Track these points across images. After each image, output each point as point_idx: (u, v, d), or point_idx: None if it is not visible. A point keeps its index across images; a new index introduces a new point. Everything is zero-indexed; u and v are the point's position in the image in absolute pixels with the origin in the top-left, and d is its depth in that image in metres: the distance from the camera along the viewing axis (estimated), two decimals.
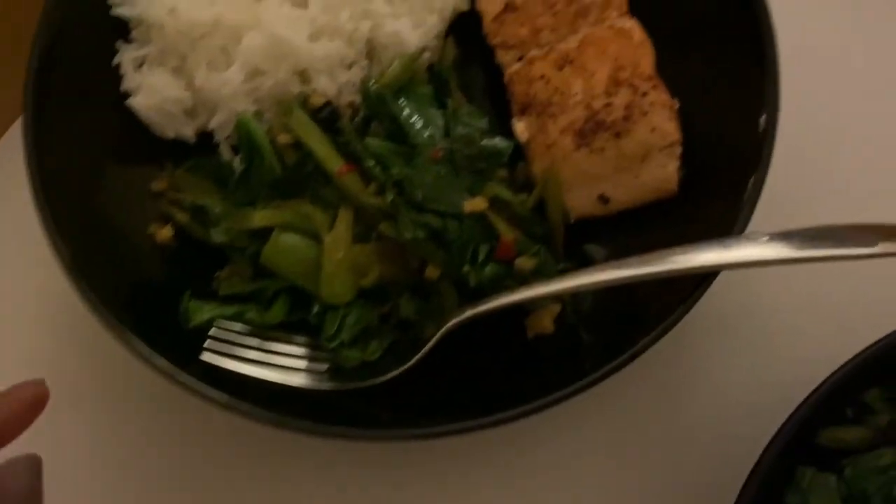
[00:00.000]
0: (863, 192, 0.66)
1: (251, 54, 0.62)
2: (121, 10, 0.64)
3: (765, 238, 0.53)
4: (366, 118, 0.63)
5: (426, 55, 0.66)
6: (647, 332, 0.55)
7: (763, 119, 0.56)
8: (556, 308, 0.60)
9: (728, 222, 0.56)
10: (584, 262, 0.62)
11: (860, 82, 0.70)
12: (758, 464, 0.50)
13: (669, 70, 0.61)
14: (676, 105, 0.59)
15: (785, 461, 0.50)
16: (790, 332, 0.63)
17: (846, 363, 0.50)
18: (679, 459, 0.62)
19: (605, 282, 0.54)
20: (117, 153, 0.66)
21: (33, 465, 0.42)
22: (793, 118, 0.58)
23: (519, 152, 0.63)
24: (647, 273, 0.53)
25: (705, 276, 0.55)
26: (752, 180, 0.56)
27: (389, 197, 0.57)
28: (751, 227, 0.56)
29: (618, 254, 0.61)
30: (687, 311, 0.55)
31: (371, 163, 0.59)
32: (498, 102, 0.66)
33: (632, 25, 0.61)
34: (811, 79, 0.67)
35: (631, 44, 0.60)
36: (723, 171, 0.59)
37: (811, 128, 0.67)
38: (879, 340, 0.50)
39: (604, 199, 0.61)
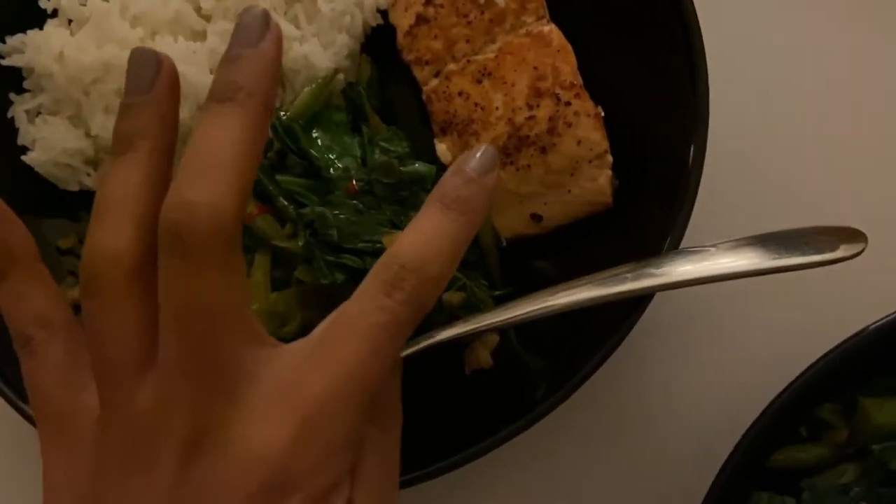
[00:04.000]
0: (798, 194, 0.62)
1: None
2: (10, 60, 0.60)
3: (712, 249, 0.48)
4: (280, 151, 0.59)
5: (340, 77, 0.62)
6: (594, 351, 0.53)
7: (692, 121, 0.53)
8: (494, 339, 0.57)
9: (664, 234, 0.53)
10: (531, 280, 0.60)
11: (792, 81, 0.65)
12: (708, 494, 0.47)
13: (596, 74, 0.57)
14: (602, 113, 0.56)
15: (738, 487, 0.48)
16: (736, 345, 0.60)
17: (794, 380, 0.47)
18: (624, 493, 0.59)
19: (545, 310, 0.49)
20: (27, 211, 0.62)
21: None
22: (723, 120, 0.55)
23: None
24: (588, 298, 0.48)
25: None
26: (687, 187, 0.52)
27: (301, 240, 0.53)
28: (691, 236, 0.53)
29: (565, 268, 0.57)
30: (633, 325, 0.53)
31: (283, 202, 0.56)
32: (427, 120, 0.62)
33: (549, 30, 0.57)
34: (741, 76, 0.63)
35: (550, 50, 0.56)
36: (658, 179, 0.55)
37: (742, 129, 0.63)
38: (827, 353, 0.47)
39: (536, 218, 0.58)
